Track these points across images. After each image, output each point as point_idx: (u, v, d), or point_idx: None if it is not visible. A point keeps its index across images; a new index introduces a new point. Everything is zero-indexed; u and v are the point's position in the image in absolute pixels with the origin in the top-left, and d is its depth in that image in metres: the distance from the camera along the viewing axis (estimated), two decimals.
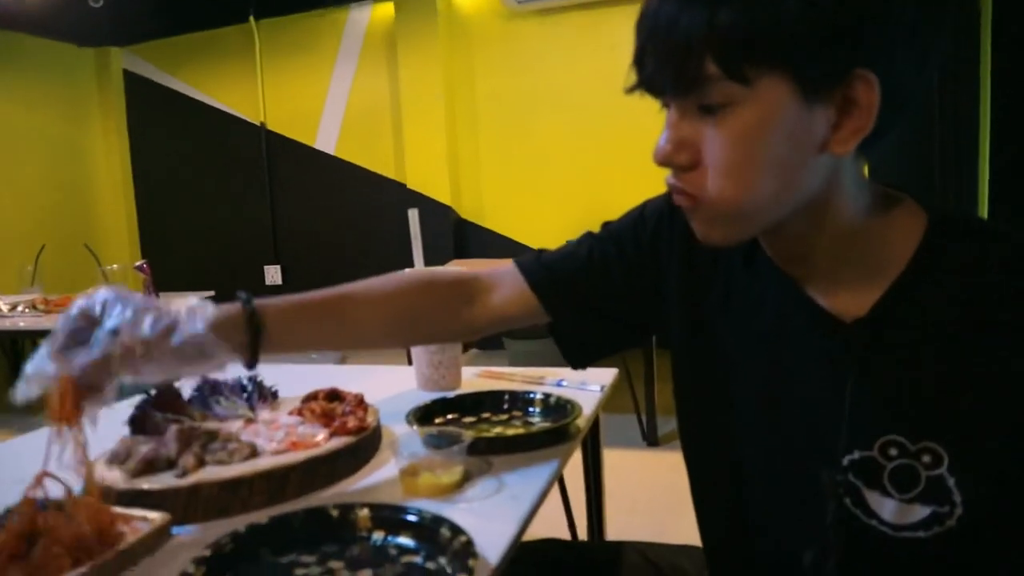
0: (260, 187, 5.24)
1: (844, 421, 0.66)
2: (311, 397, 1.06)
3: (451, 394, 1.19)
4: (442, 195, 4.69)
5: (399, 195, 4.78)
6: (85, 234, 5.15)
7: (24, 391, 0.69)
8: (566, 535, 1.63)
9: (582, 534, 1.55)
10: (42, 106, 5.04)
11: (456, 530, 0.71)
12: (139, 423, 0.98)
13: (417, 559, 0.71)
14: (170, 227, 5.57)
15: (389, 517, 0.76)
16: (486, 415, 1.13)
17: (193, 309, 0.75)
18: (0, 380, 4.86)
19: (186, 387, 1.10)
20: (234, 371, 1.26)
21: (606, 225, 0.92)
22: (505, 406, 1.15)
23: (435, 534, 0.72)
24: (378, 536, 0.75)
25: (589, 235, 0.92)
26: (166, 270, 4.75)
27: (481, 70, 4.74)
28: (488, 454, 0.96)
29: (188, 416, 1.01)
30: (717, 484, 0.82)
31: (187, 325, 0.73)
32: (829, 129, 0.60)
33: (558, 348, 0.96)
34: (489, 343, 4.24)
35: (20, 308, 3.77)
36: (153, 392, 1.03)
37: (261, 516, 0.77)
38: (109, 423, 1.05)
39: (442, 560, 0.69)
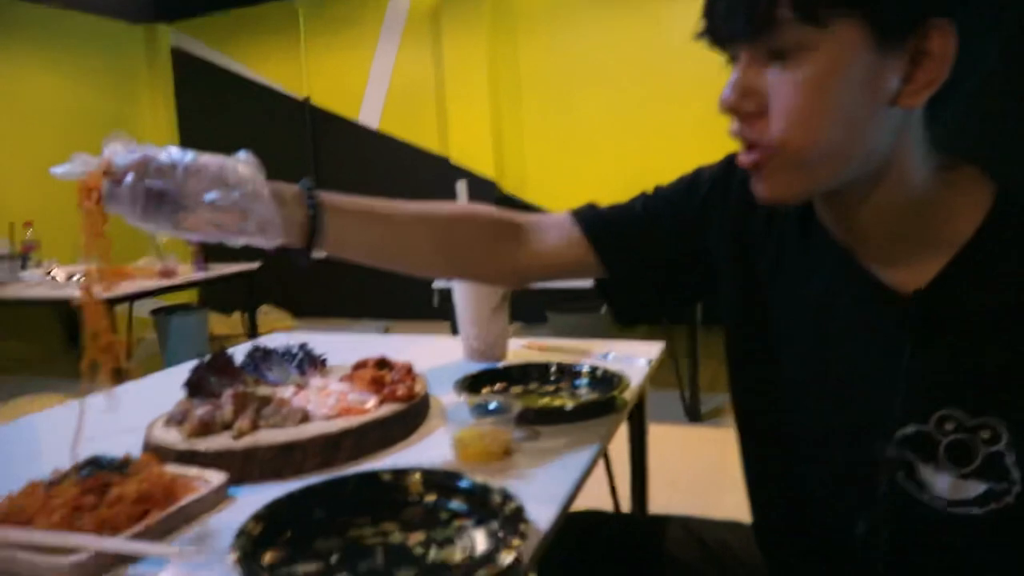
0: (304, 161, 5.29)
1: (899, 394, 0.65)
2: (360, 365, 1.07)
3: (498, 365, 1.19)
4: (485, 169, 4.69)
5: (442, 169, 4.79)
6: None
7: (65, 168, 0.68)
8: (608, 508, 1.64)
9: (624, 507, 1.55)
10: (92, 82, 5.15)
11: (507, 496, 0.72)
12: (195, 387, 1.01)
13: (468, 523, 0.71)
14: None
15: (441, 481, 0.77)
16: (533, 386, 1.13)
17: (254, 168, 0.74)
18: (56, 348, 5.03)
19: (239, 353, 1.13)
20: (281, 340, 1.28)
21: (659, 188, 0.91)
22: (552, 377, 1.15)
23: (486, 499, 0.73)
24: (430, 500, 0.75)
25: (643, 194, 0.91)
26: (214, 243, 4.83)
27: (525, 44, 4.71)
28: (536, 424, 0.96)
29: (241, 381, 1.04)
30: (768, 455, 0.81)
31: (244, 174, 0.72)
32: (900, 80, 0.58)
33: (606, 303, 0.96)
34: (532, 316, 4.25)
35: (75, 278, 3.87)
36: (208, 358, 1.05)
37: (315, 478, 0.79)
38: (167, 388, 1.08)
39: (494, 524, 0.70)
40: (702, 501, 2.29)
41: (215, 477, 0.80)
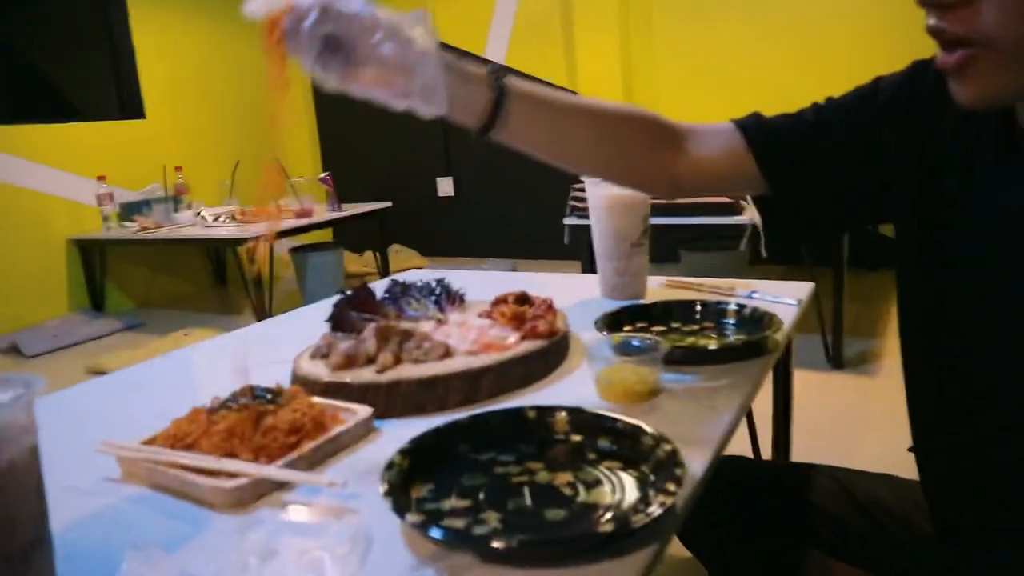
0: None
1: None
2: (500, 300, 1.05)
3: (640, 302, 1.15)
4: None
5: None
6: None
7: (256, 4, 0.69)
8: (748, 453, 1.58)
9: (765, 454, 1.49)
10: (235, 30, 5.33)
11: (661, 438, 0.68)
12: (337, 321, 1.02)
13: (618, 464, 0.68)
14: (348, 142, 5.82)
15: (587, 421, 0.74)
16: (676, 325, 1.08)
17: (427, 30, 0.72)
18: (205, 285, 5.38)
19: (379, 288, 1.14)
20: (417, 275, 1.28)
21: (831, 97, 0.83)
22: (697, 316, 1.09)
23: (636, 441, 0.69)
24: (576, 439, 0.73)
25: (815, 104, 0.84)
26: (346, 182, 4.98)
27: None
28: (683, 364, 0.92)
29: (382, 316, 1.04)
30: (944, 397, 0.75)
31: (417, 34, 0.71)
32: None
33: (762, 223, 0.90)
34: (664, 255, 4.13)
35: (222, 218, 4.10)
36: (349, 293, 1.06)
37: (458, 414, 0.78)
38: (310, 322, 1.11)
39: (644, 467, 0.66)
40: (843, 449, 2.17)
41: (362, 410, 0.81)
